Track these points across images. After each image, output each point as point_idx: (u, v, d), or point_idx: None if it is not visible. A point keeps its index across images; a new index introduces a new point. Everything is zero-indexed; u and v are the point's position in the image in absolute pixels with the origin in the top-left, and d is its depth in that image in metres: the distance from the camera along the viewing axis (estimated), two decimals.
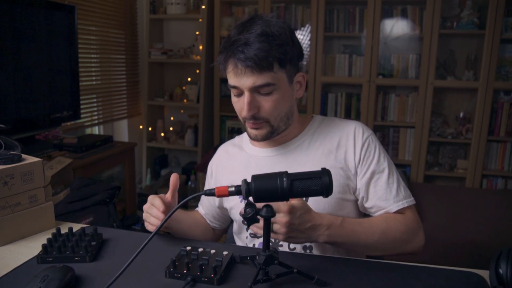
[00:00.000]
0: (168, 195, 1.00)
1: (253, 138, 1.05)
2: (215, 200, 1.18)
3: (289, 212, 0.85)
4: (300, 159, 1.06)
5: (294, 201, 0.87)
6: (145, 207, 0.99)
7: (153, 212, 0.96)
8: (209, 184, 1.23)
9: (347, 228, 0.94)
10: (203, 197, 1.22)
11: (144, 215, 0.99)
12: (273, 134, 1.04)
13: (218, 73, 3.31)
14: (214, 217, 1.22)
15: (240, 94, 0.99)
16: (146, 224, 0.99)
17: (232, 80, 0.98)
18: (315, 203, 1.02)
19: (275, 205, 0.82)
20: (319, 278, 0.78)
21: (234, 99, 1.03)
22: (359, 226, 0.96)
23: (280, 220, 0.85)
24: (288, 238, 0.88)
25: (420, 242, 1.02)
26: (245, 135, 1.20)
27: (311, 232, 0.89)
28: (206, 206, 1.23)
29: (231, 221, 1.24)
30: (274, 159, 1.09)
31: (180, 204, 0.79)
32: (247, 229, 1.10)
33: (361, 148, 1.04)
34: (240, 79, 0.96)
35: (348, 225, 0.94)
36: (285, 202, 0.83)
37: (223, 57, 0.98)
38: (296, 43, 1.01)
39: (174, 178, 0.99)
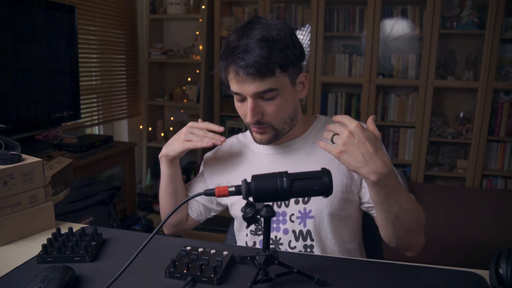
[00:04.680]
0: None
1: (258, 142, 1.06)
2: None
3: (357, 126, 0.82)
4: (304, 158, 1.06)
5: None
6: (189, 125, 1.06)
7: (209, 134, 1.03)
8: (204, 170, 1.19)
9: (398, 184, 0.89)
10: (195, 184, 1.21)
11: (192, 136, 1.05)
12: (278, 137, 1.04)
13: (218, 73, 3.30)
14: (193, 206, 1.20)
15: (243, 99, 0.99)
16: (191, 143, 1.04)
17: (234, 87, 0.97)
18: (317, 202, 1.02)
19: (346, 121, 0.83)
20: (319, 278, 0.78)
21: (237, 104, 1.02)
22: (404, 191, 0.91)
23: (343, 130, 0.82)
24: (342, 153, 0.82)
25: (423, 241, 1.00)
26: (248, 132, 1.20)
27: (367, 161, 0.81)
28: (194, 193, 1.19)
29: (230, 220, 1.24)
30: (278, 157, 1.09)
31: (180, 204, 0.79)
32: (247, 227, 1.10)
33: None
34: (242, 86, 0.95)
35: (399, 185, 0.89)
36: None
37: (223, 64, 0.97)
38: (297, 44, 1.00)
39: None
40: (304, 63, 3.08)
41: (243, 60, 0.92)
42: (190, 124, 1.07)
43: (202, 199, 1.19)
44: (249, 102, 0.96)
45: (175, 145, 1.06)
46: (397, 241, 0.96)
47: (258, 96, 0.96)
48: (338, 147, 0.83)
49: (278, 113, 0.99)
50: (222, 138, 1.03)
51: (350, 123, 0.83)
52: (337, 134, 0.84)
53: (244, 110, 0.99)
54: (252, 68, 0.91)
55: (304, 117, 1.12)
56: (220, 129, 1.04)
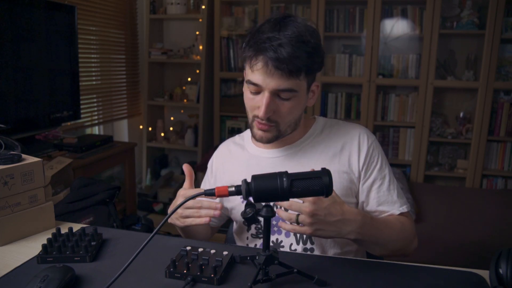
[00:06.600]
0: (188, 186, 0.96)
1: (258, 140, 1.04)
2: (215, 199, 1.17)
3: (314, 202, 0.83)
4: (303, 162, 1.06)
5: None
6: (188, 204, 0.91)
7: (204, 204, 0.89)
8: (208, 182, 1.22)
9: (375, 226, 0.93)
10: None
11: (188, 212, 0.91)
12: (278, 138, 1.03)
13: (218, 73, 3.31)
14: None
15: (257, 92, 0.97)
16: (191, 220, 0.91)
17: (256, 77, 0.95)
18: None
19: None
20: (319, 278, 0.78)
21: (249, 96, 1.00)
22: (383, 225, 0.96)
23: (304, 210, 0.83)
24: (316, 231, 0.85)
25: (416, 243, 1.05)
26: (246, 134, 1.19)
27: (341, 226, 0.86)
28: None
29: (230, 221, 1.24)
30: (277, 161, 1.08)
31: (180, 204, 0.79)
32: (247, 230, 1.10)
33: (366, 154, 1.05)
34: (265, 78, 0.93)
35: (376, 224, 0.94)
36: None
37: (252, 52, 0.95)
38: (322, 53, 1.00)
39: (188, 168, 0.97)
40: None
41: (275, 53, 0.90)
42: (182, 193, 0.95)
43: None
44: (266, 97, 0.95)
45: (176, 222, 0.97)
46: (388, 255, 1.02)
47: (276, 93, 0.96)
48: (309, 228, 0.85)
49: (289, 115, 0.99)
50: (219, 206, 0.89)
51: (305, 206, 0.83)
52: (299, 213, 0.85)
53: (256, 103, 0.98)
54: (284, 64, 0.90)
55: (303, 119, 1.12)
56: (216, 213, 0.89)
